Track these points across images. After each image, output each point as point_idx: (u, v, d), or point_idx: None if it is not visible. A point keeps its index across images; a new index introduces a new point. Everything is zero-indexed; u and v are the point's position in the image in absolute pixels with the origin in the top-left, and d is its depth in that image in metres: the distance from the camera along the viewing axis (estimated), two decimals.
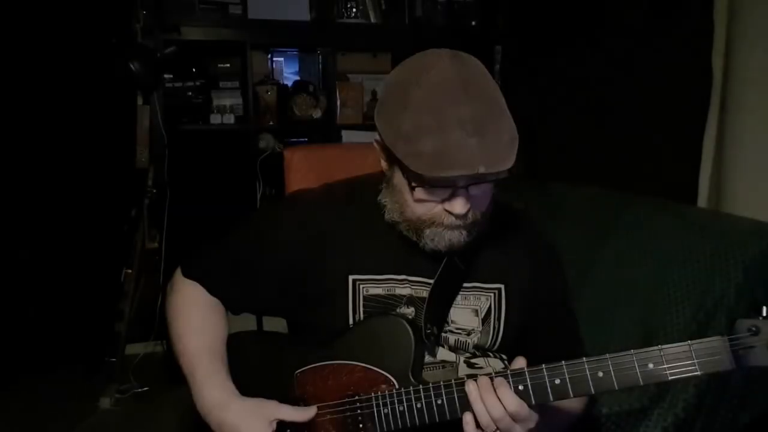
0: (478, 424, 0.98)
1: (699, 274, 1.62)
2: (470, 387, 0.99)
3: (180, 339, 1.19)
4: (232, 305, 1.25)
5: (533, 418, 0.98)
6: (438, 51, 1.03)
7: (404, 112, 0.98)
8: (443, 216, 1.05)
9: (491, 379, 0.99)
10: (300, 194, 1.29)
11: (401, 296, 1.17)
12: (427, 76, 0.98)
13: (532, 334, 1.21)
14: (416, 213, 1.07)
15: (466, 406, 1.01)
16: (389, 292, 1.17)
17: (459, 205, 1.02)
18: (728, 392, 1.52)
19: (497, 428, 0.98)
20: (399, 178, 1.07)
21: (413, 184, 1.03)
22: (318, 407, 1.13)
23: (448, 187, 1.01)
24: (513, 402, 0.96)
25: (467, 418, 0.99)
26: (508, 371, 0.99)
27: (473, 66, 1.02)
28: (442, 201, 1.03)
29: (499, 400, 0.96)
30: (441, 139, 0.95)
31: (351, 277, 1.16)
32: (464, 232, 1.07)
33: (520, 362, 1.01)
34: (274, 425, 1.09)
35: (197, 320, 1.20)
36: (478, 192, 1.03)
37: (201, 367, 1.14)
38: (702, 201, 2.05)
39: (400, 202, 1.09)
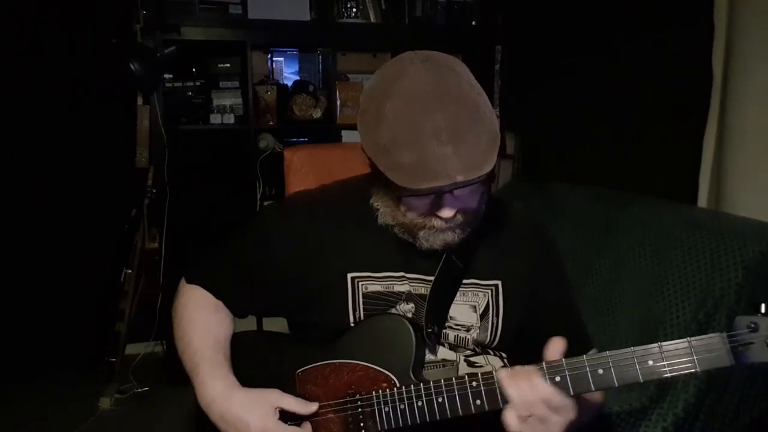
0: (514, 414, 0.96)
1: (699, 274, 1.62)
2: (502, 374, 0.98)
3: (184, 335, 1.20)
4: (235, 308, 1.26)
5: (571, 405, 0.96)
6: (411, 56, 1.02)
7: (380, 125, 0.98)
8: (433, 219, 1.05)
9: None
10: (297, 196, 1.31)
11: (400, 293, 1.17)
12: (400, 85, 0.98)
13: (533, 329, 1.21)
14: (407, 218, 1.08)
15: (467, 404, 1.01)
16: (388, 289, 1.17)
17: (445, 210, 1.03)
18: (728, 392, 1.53)
19: (531, 415, 0.95)
20: (385, 186, 1.07)
21: (397, 194, 1.03)
22: (319, 406, 1.13)
23: (432, 194, 1.01)
24: (545, 388, 0.94)
25: (505, 413, 0.97)
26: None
27: (447, 68, 1.00)
28: (430, 206, 1.04)
29: (533, 386, 0.95)
30: (417, 151, 0.94)
31: (349, 275, 1.17)
32: (458, 231, 1.07)
33: (557, 346, 0.98)
34: (277, 413, 1.10)
35: (201, 318, 1.21)
36: (465, 192, 1.03)
37: (205, 360, 1.15)
38: (702, 201, 2.05)
39: (391, 207, 1.10)
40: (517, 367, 0.99)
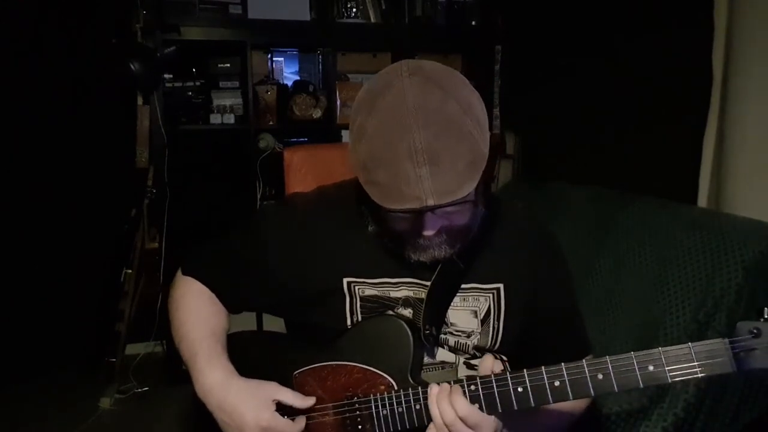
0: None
1: (699, 274, 1.62)
2: (431, 390, 1.01)
3: (182, 325, 1.20)
4: (229, 303, 1.25)
5: (487, 423, 0.99)
6: (400, 68, 0.99)
7: (362, 139, 0.97)
8: (416, 236, 1.04)
9: (449, 383, 1.01)
10: (295, 198, 1.31)
11: (397, 299, 1.17)
12: (384, 101, 0.96)
13: (535, 332, 1.21)
14: (392, 231, 1.07)
15: None
16: (384, 294, 1.17)
17: (425, 230, 1.02)
18: (728, 392, 1.53)
19: None
20: (370, 199, 1.06)
21: (378, 210, 1.02)
22: (316, 408, 1.13)
23: (407, 214, 1.00)
24: (463, 407, 0.98)
25: (431, 424, 1.02)
26: (508, 374, 0.98)
27: (434, 84, 0.96)
28: (412, 223, 1.02)
29: (452, 405, 0.98)
30: (392, 171, 0.93)
31: (346, 280, 1.17)
32: (445, 248, 1.05)
33: (488, 361, 1.02)
34: (274, 406, 1.10)
35: (198, 308, 1.22)
36: (449, 211, 1.00)
37: (203, 350, 1.15)
38: (702, 201, 2.05)
39: (377, 218, 1.09)
40: (444, 385, 1.01)
